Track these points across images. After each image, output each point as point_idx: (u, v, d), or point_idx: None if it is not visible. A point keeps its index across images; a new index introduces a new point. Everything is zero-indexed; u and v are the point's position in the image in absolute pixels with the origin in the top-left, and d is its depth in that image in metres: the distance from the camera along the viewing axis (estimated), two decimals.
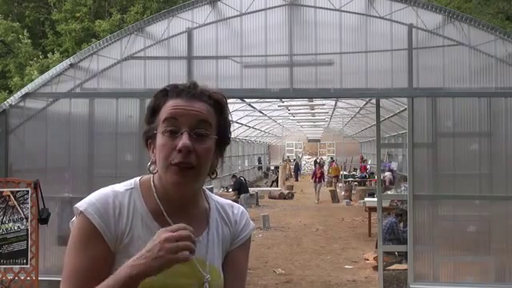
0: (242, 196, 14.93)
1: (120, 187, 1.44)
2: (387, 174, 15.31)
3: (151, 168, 1.43)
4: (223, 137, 1.46)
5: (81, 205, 1.37)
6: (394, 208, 9.97)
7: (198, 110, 1.38)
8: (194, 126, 1.37)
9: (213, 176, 1.47)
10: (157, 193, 1.43)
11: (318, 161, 31.77)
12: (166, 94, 1.42)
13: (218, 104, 1.44)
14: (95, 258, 1.33)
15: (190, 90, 1.41)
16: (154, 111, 1.42)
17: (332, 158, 30.83)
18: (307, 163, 36.31)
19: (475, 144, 6.59)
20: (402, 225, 8.95)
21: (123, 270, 1.23)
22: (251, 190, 19.43)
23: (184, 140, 1.34)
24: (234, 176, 17.29)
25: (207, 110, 1.41)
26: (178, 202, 1.44)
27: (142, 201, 1.43)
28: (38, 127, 7.07)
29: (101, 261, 1.33)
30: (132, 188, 1.45)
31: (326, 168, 27.92)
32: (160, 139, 1.37)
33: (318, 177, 20.04)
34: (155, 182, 1.44)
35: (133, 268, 1.22)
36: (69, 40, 21.53)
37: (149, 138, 1.44)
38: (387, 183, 14.75)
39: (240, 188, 15.25)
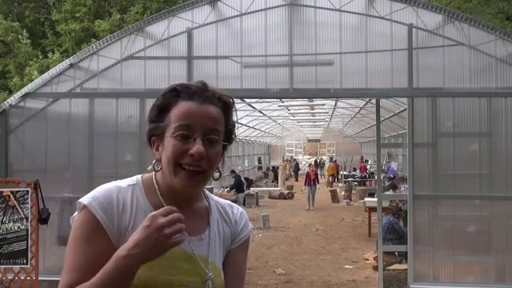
0: (239, 195, 14.99)
1: (123, 183, 1.44)
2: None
3: (155, 165, 1.43)
4: (228, 138, 1.46)
5: (84, 199, 1.36)
6: (392, 207, 9.96)
7: (212, 117, 1.39)
8: (207, 132, 1.37)
9: (216, 176, 1.46)
10: (160, 190, 1.43)
11: (317, 161, 31.79)
12: (177, 94, 1.40)
13: (226, 106, 1.44)
14: (97, 252, 1.32)
15: (202, 93, 1.40)
16: (162, 110, 1.41)
17: (332, 159, 30.82)
18: (306, 163, 36.08)
19: (475, 144, 6.59)
20: (402, 223, 8.95)
21: (117, 261, 1.23)
22: (252, 189, 19.46)
23: (198, 146, 1.34)
24: (232, 171, 17.16)
25: (218, 115, 1.41)
26: (181, 200, 1.43)
27: (145, 197, 1.43)
28: (38, 127, 7.07)
29: (102, 255, 1.32)
30: (134, 184, 1.45)
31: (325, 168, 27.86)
32: (171, 141, 1.37)
33: (311, 179, 17.85)
34: (158, 180, 1.45)
35: (131, 258, 1.22)
36: (69, 40, 21.52)
37: (153, 136, 1.43)
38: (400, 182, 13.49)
39: (238, 187, 15.29)
